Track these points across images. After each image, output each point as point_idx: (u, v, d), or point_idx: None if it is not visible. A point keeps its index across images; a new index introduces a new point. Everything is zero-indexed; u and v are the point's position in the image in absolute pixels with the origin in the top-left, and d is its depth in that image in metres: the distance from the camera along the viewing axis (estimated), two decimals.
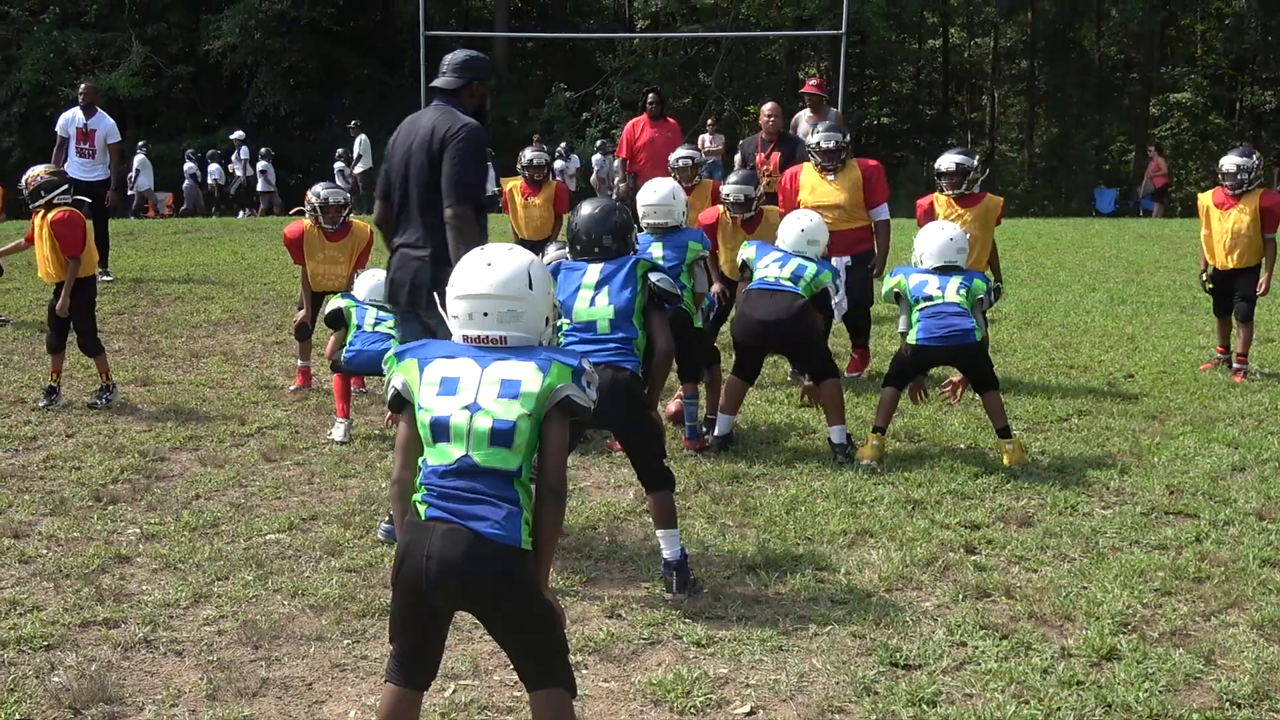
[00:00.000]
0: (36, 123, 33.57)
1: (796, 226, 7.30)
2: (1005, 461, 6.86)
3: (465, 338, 3.31)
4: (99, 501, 6.21)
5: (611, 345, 5.13)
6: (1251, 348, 9.29)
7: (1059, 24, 43.69)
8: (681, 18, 41.42)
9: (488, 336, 3.28)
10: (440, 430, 3.21)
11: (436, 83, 5.57)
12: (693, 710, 4.08)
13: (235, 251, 16.50)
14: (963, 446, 7.32)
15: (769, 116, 10.62)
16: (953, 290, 6.99)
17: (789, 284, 7.05)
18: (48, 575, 5.21)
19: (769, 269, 7.14)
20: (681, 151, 10.06)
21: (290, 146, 37.56)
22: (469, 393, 3.21)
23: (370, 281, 7.59)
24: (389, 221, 5.58)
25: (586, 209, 5.42)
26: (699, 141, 19.51)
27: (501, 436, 3.17)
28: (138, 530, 5.79)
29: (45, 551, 5.50)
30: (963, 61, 49.69)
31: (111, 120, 13.81)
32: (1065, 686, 4.24)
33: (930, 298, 7.02)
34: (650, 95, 12.67)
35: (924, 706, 4.09)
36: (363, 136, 27.34)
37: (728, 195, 8.42)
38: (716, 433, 7.25)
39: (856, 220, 8.89)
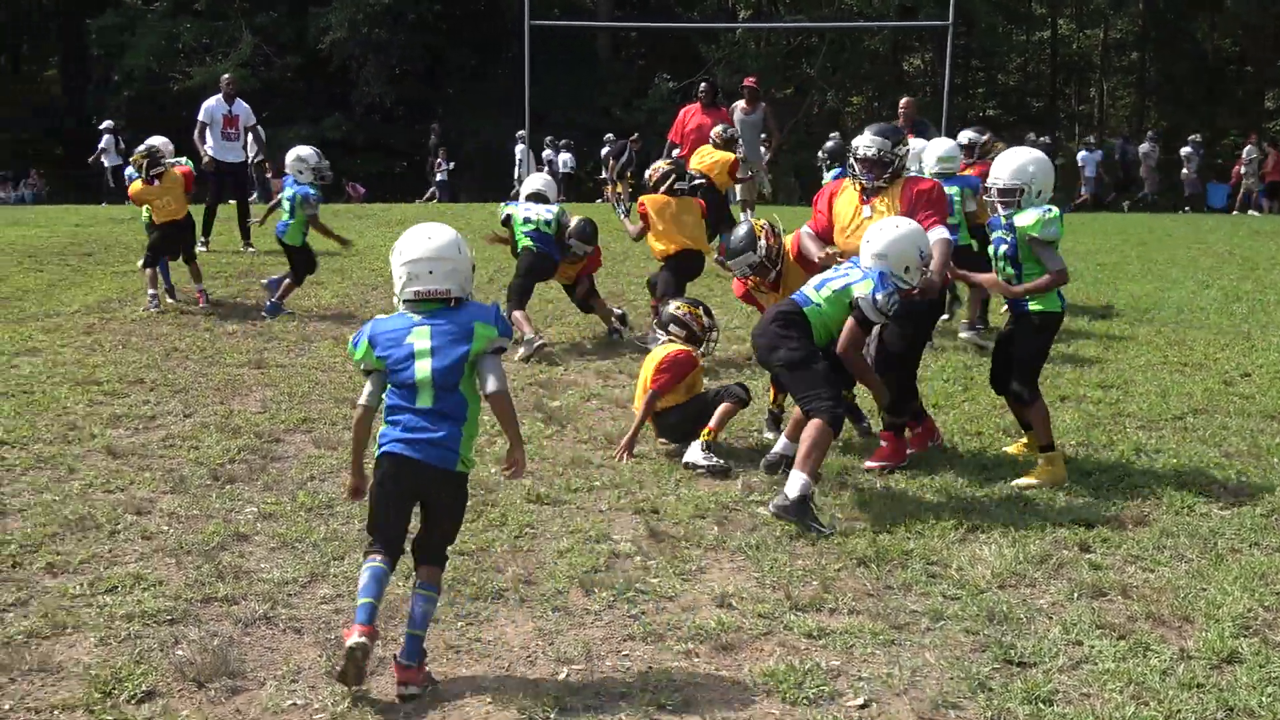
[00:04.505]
0: (145, 107, 34.43)
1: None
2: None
3: None
4: (217, 480, 6.35)
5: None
6: None
7: (1170, 15, 42.76)
8: (784, 8, 41.26)
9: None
10: None
11: None
12: (805, 701, 4.07)
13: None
14: (1073, 443, 7.20)
15: (904, 107, 13.62)
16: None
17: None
18: (169, 551, 5.35)
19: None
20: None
21: (395, 135, 38.14)
22: None
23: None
24: None
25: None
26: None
27: None
28: (255, 509, 5.91)
29: (166, 528, 5.64)
30: (1071, 53, 48.89)
31: (247, 105, 15.67)
32: (1185, 689, 4.16)
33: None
34: (703, 85, 15.26)
35: (1040, 705, 4.04)
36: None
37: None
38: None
39: None
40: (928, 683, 4.21)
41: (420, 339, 4.22)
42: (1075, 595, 4.96)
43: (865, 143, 6.78)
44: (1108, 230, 20.22)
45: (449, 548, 4.45)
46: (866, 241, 6.21)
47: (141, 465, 6.58)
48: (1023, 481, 6.41)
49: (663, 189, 9.80)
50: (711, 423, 6.83)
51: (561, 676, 4.23)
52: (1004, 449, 7.05)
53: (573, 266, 10.22)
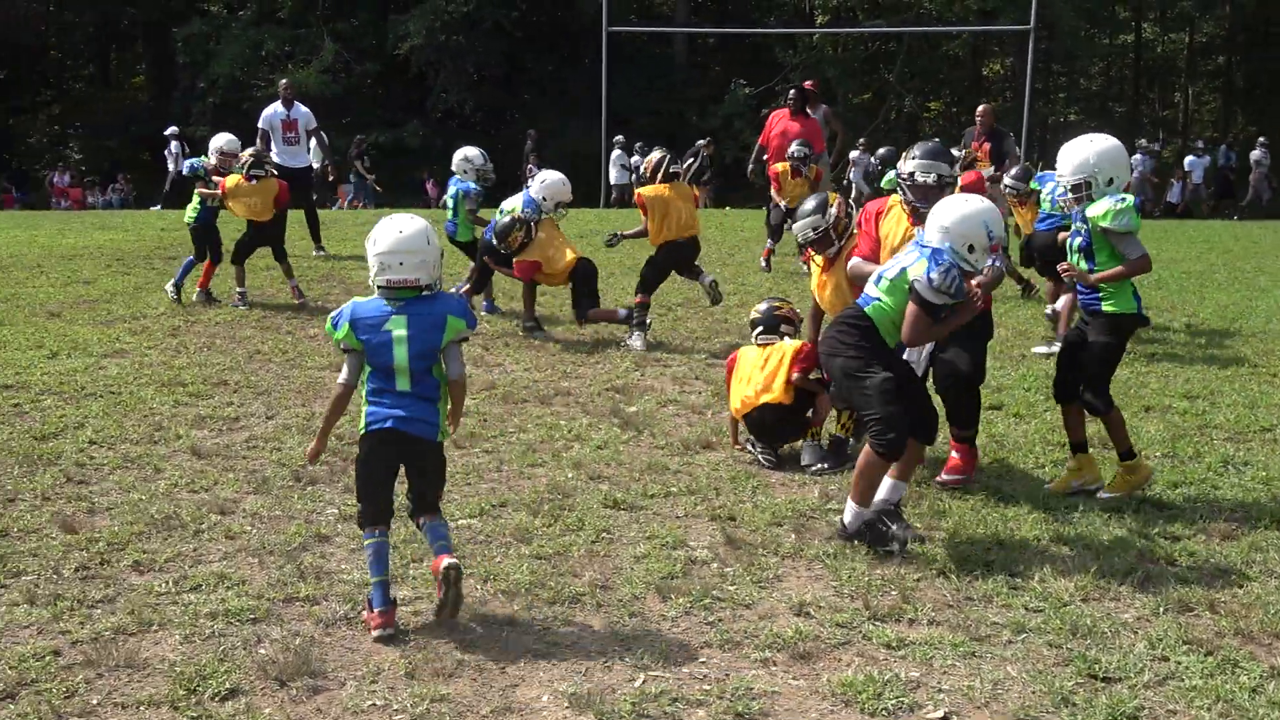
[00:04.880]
0: (229, 114, 34.95)
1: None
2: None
3: None
4: (299, 482, 6.43)
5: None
6: None
7: (1258, 17, 41.94)
8: (863, 12, 41.03)
9: None
10: None
11: None
12: (884, 712, 4.03)
13: None
14: (1158, 455, 7.07)
15: (982, 115, 14.43)
16: None
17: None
18: (252, 551, 5.42)
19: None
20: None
21: (473, 141, 38.32)
22: None
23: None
24: None
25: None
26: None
27: None
28: (335, 511, 5.98)
29: (249, 528, 5.72)
30: (1155, 57, 48.10)
31: (307, 109, 15.77)
32: (1276, 707, 4.06)
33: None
34: (792, 91, 15.94)
35: None
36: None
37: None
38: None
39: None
40: (1009, 696, 4.15)
41: (398, 327, 4.63)
42: (1161, 610, 4.86)
43: (922, 167, 6.30)
44: (1193, 238, 19.88)
45: (439, 497, 4.91)
46: (933, 215, 5.64)
47: (225, 466, 6.68)
48: (1105, 495, 6.26)
49: (659, 177, 10.22)
50: (817, 418, 6.95)
51: (638, 683, 4.22)
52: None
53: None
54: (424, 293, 4.69)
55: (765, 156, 15.25)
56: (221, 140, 12.07)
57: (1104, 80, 49.02)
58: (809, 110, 15.45)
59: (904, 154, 6.56)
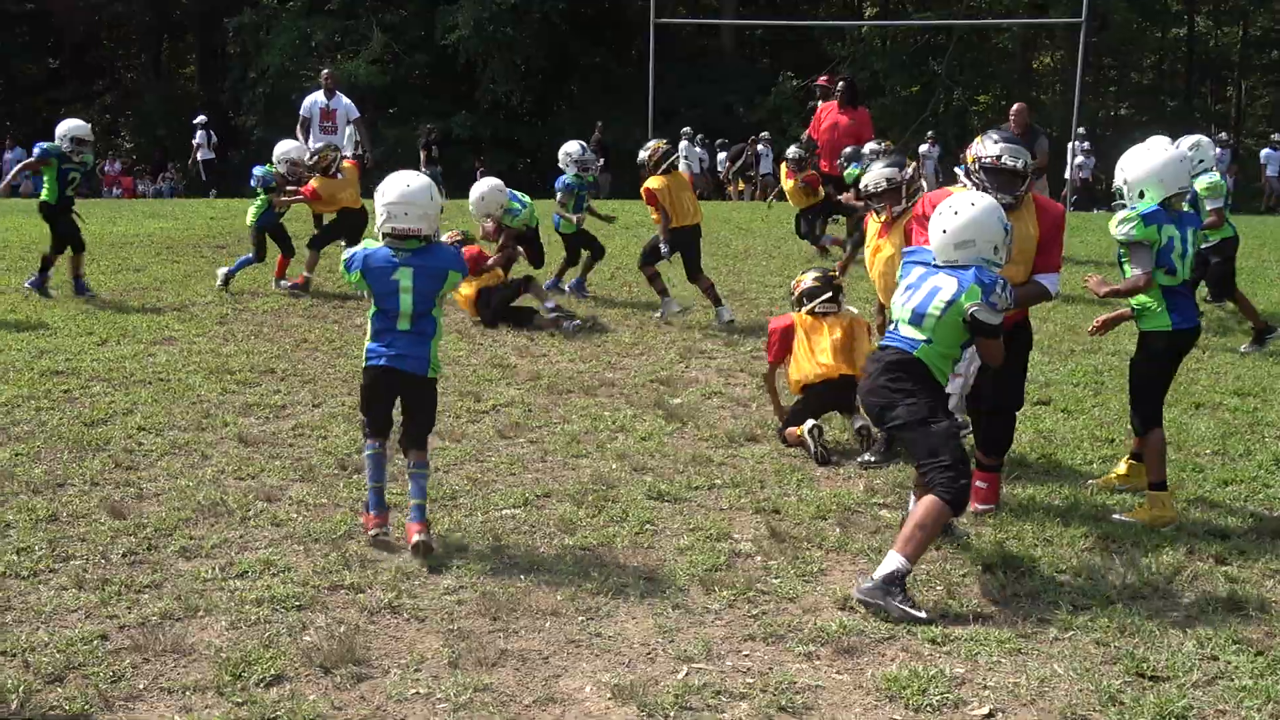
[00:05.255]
0: (279, 104, 35.20)
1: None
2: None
3: None
4: (344, 470, 6.46)
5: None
6: None
7: None
8: (911, 5, 40.76)
9: None
10: None
11: None
12: (929, 708, 4.00)
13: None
14: (1209, 452, 6.99)
15: (1016, 114, 13.52)
16: (1189, 260, 5.85)
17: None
18: (298, 539, 5.45)
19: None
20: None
21: (520, 131, 38.47)
22: None
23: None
24: None
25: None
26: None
27: None
28: None
29: (295, 516, 5.75)
30: (1208, 51, 47.45)
31: (349, 100, 15.85)
32: None
33: (1174, 269, 5.80)
34: (840, 84, 15.24)
35: None
36: None
37: None
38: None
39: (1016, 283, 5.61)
40: (1056, 694, 4.11)
41: (404, 277, 5.32)
42: (1210, 609, 4.80)
43: (1010, 151, 5.62)
44: (1245, 233, 19.59)
45: (428, 435, 5.65)
46: (942, 231, 5.17)
47: (272, 453, 6.73)
48: (1119, 519, 5.86)
49: (662, 168, 10.52)
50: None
51: (682, 674, 4.22)
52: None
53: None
54: (424, 243, 5.37)
55: (816, 150, 15.17)
56: (290, 148, 12.14)
57: (1156, 74, 48.41)
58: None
59: (978, 139, 5.94)
